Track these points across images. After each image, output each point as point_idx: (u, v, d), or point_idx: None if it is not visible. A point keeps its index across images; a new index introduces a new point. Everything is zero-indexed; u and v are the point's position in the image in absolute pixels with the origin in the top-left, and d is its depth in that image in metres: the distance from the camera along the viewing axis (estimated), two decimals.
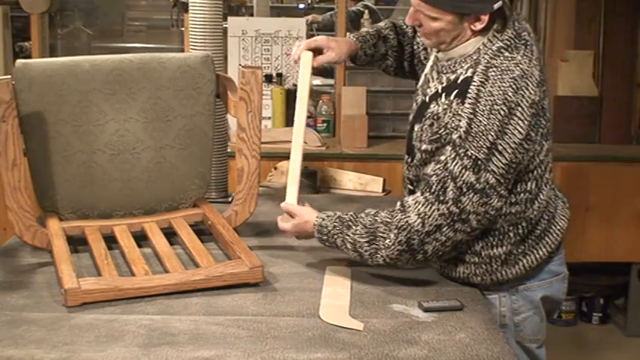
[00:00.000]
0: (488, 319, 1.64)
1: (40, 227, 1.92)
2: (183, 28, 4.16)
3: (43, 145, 1.94)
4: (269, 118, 3.69)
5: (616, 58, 3.80)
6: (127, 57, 2.00)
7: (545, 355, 1.94)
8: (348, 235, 1.74)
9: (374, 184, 2.64)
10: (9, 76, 1.86)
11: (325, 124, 3.76)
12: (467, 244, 1.77)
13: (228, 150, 2.45)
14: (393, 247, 1.70)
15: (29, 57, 3.71)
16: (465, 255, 1.79)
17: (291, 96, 3.67)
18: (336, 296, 1.71)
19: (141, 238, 1.96)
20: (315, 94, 3.95)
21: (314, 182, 2.56)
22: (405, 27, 2.09)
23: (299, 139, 1.91)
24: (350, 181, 2.64)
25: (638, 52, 3.82)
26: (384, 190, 2.63)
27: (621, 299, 3.95)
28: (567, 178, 3.47)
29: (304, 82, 1.96)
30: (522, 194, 1.75)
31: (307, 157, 3.29)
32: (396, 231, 1.69)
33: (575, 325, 3.94)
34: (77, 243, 1.97)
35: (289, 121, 3.65)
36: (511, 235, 1.78)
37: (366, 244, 1.72)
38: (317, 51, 2.00)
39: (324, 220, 1.79)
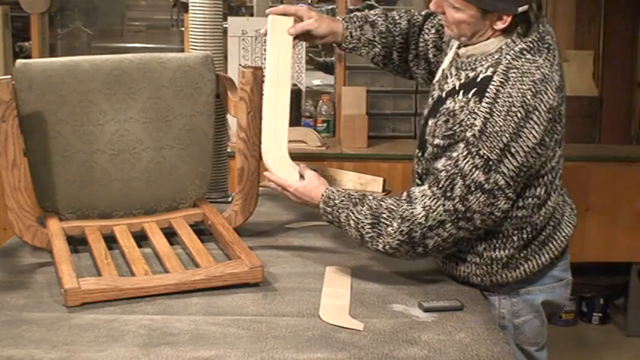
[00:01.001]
0: (488, 319, 1.64)
1: (40, 227, 1.92)
2: (183, 28, 4.16)
3: (43, 145, 1.94)
4: None
5: (616, 58, 3.80)
6: (127, 57, 2.00)
7: (547, 358, 1.93)
8: (353, 212, 1.73)
9: (374, 184, 2.63)
10: (9, 76, 1.86)
11: (325, 124, 3.76)
12: (470, 243, 1.77)
13: (228, 150, 2.45)
14: (394, 235, 1.69)
15: (29, 57, 3.71)
16: (466, 254, 1.79)
17: (291, 96, 3.66)
18: (336, 296, 1.71)
19: (141, 238, 1.96)
20: (315, 94, 3.95)
21: None
22: (397, 17, 2.04)
23: (284, 99, 1.92)
24: (350, 181, 2.63)
25: (638, 52, 3.82)
26: (384, 190, 2.62)
27: (621, 299, 3.95)
28: (567, 178, 3.42)
29: (285, 46, 1.92)
30: (530, 199, 1.73)
31: (307, 157, 3.30)
32: (399, 220, 1.69)
33: (575, 325, 3.94)
34: (77, 243, 1.97)
35: (290, 122, 3.64)
36: (515, 239, 1.77)
37: (369, 226, 1.72)
38: (297, 20, 1.95)
39: (333, 192, 1.78)
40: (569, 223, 1.86)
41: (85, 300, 1.63)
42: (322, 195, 1.78)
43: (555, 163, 1.74)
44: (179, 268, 1.76)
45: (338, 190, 1.78)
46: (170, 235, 1.99)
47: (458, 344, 1.50)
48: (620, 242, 3.59)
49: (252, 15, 4.47)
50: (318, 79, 4.36)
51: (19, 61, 1.92)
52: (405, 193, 1.73)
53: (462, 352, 1.47)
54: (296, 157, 3.07)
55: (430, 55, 2.02)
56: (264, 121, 1.91)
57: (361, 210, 1.73)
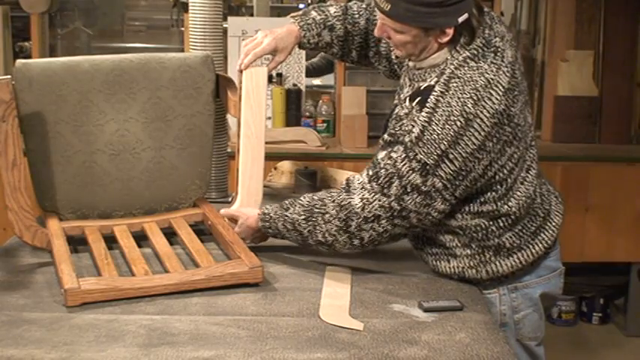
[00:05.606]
0: (488, 319, 1.64)
1: (40, 227, 1.92)
2: (183, 28, 4.16)
3: (43, 145, 1.94)
4: (269, 118, 3.68)
5: (616, 58, 3.80)
6: (127, 57, 2.00)
7: (544, 354, 1.95)
8: (287, 216, 1.82)
9: None
10: (9, 76, 1.86)
11: (325, 124, 3.76)
12: (457, 239, 1.80)
13: (228, 150, 2.45)
14: (332, 221, 1.76)
15: (29, 57, 3.71)
16: (455, 249, 1.81)
17: (291, 96, 3.67)
18: (336, 296, 1.71)
19: (141, 238, 1.96)
20: (315, 94, 3.95)
21: (314, 182, 2.55)
22: (357, 15, 2.06)
23: (259, 152, 1.99)
24: None
25: (638, 52, 3.82)
26: None
27: (621, 299, 3.95)
28: (567, 178, 3.47)
29: (261, 97, 2.00)
30: (489, 193, 1.76)
31: (307, 157, 3.30)
32: (338, 208, 1.75)
33: (575, 325, 3.94)
34: (77, 243, 1.97)
35: (289, 121, 3.65)
36: (494, 229, 1.79)
37: (304, 222, 1.79)
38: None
39: (266, 208, 1.88)
40: (557, 212, 1.89)
41: (85, 300, 1.63)
42: (258, 216, 1.88)
43: (506, 160, 1.73)
44: (179, 268, 1.76)
45: (271, 205, 1.88)
46: (170, 235, 1.99)
47: (458, 344, 1.50)
48: (620, 242, 3.59)
49: (252, 15, 4.47)
50: (318, 79, 4.36)
51: (19, 61, 1.92)
52: (344, 182, 1.80)
53: (461, 352, 1.47)
54: (296, 157, 3.08)
55: (393, 57, 2.05)
56: (240, 172, 2.00)
57: (294, 211, 1.81)
